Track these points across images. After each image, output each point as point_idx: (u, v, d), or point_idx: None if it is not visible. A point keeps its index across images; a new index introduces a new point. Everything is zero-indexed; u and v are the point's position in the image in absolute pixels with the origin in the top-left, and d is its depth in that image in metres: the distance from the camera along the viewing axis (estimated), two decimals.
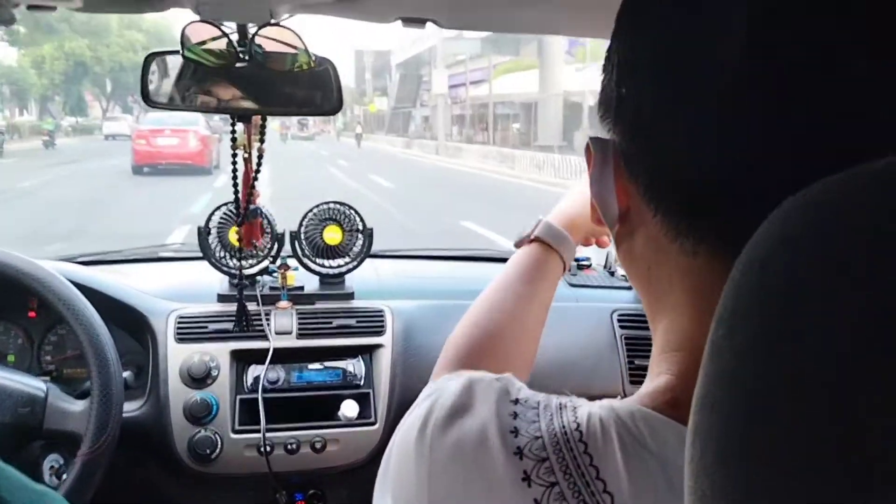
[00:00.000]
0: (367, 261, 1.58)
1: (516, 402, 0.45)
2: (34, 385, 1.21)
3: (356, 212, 1.56)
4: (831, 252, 0.24)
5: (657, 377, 0.45)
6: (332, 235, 1.53)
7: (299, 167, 19.03)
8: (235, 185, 1.22)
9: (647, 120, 0.42)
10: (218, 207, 1.49)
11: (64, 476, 1.19)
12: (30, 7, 0.89)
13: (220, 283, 1.52)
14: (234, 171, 1.20)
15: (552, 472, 0.41)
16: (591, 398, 0.47)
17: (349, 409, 1.40)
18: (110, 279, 1.47)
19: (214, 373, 1.37)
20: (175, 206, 10.48)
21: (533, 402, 0.45)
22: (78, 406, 1.21)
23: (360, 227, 1.56)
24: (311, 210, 1.54)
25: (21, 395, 1.17)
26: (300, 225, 1.53)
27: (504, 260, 1.98)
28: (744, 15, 0.37)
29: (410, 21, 0.97)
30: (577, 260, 1.80)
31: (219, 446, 1.33)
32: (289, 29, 1.00)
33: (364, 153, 30.86)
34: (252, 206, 1.28)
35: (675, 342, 0.44)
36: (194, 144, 15.28)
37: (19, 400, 1.17)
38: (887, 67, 0.34)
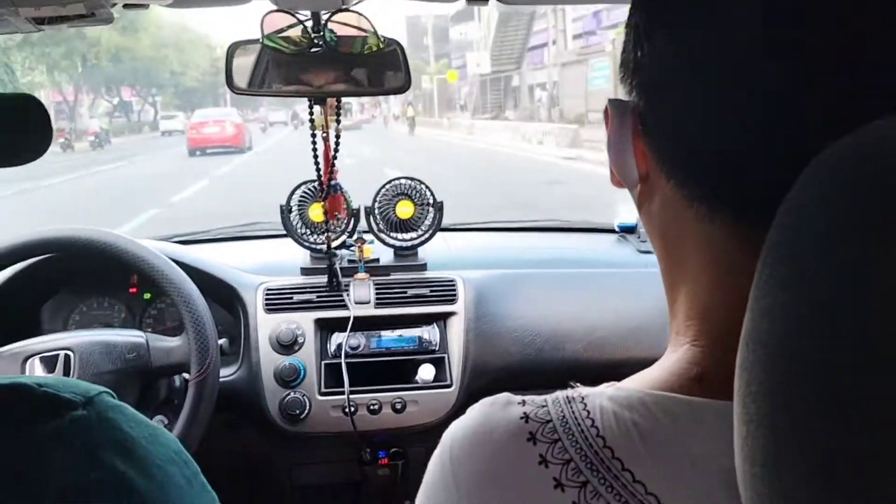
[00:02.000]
0: (438, 234, 1.65)
1: (523, 402, 0.45)
2: (134, 335, 1.35)
3: (427, 186, 1.62)
4: (873, 192, 0.26)
5: (680, 348, 0.44)
6: (405, 210, 1.61)
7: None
8: (317, 163, 1.31)
9: (662, 84, 0.42)
10: (298, 186, 1.58)
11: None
12: (126, 6, 0.98)
13: (302, 257, 1.62)
14: (315, 150, 1.28)
15: (565, 451, 0.42)
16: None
17: (426, 372, 1.47)
18: (204, 256, 1.59)
19: (301, 340, 1.47)
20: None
21: (539, 398, 0.46)
22: (176, 341, 1.35)
23: (431, 202, 1.62)
24: (383, 186, 1.62)
25: (126, 345, 1.31)
26: (374, 201, 1.61)
27: (570, 230, 2.02)
28: None
29: None
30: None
31: (307, 407, 1.43)
32: (359, 13, 1.07)
33: (425, 147, 21.15)
34: (333, 182, 1.36)
35: (697, 310, 0.44)
36: (231, 130, 20.26)
37: (124, 348, 1.31)
38: None
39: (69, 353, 1.29)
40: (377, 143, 19.89)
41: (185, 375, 1.35)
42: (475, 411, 0.47)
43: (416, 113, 31.75)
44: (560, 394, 0.46)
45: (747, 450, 0.29)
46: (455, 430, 0.47)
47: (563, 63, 25.95)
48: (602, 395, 0.44)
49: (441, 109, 38.63)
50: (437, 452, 0.48)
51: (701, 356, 0.43)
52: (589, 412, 0.43)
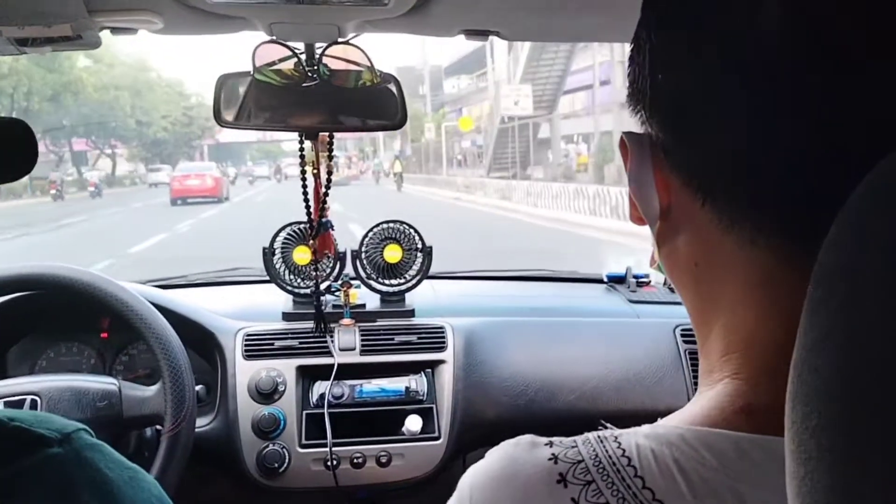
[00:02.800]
0: (426, 282, 1.60)
1: (550, 444, 0.42)
2: (106, 381, 1.26)
3: (416, 230, 1.58)
4: None
5: (717, 384, 0.41)
6: (393, 254, 1.56)
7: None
8: (306, 200, 1.26)
9: (689, 107, 0.40)
10: (282, 228, 1.53)
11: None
12: (114, 31, 0.95)
13: (284, 302, 1.56)
14: (304, 187, 1.24)
15: (601, 493, 0.38)
16: (658, 414, 0.45)
17: (413, 423, 1.41)
18: (182, 300, 1.52)
19: (281, 388, 1.40)
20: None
21: (567, 440, 0.42)
22: (151, 391, 1.26)
23: (420, 246, 1.58)
24: (371, 230, 1.58)
25: (97, 392, 1.23)
26: (361, 244, 1.57)
27: (559, 280, 1.99)
28: None
29: (473, 33, 1.00)
30: (636, 276, 1.79)
31: (287, 460, 1.35)
32: (355, 46, 1.04)
33: (409, 206, 18.20)
34: (324, 220, 1.32)
35: (734, 344, 0.41)
36: (210, 182, 22.39)
37: (95, 396, 1.22)
38: None
39: (36, 398, 1.21)
40: (354, 200, 17.43)
41: (158, 427, 1.27)
42: (497, 453, 0.43)
43: (403, 168, 29.49)
44: (590, 434, 0.42)
45: (805, 491, 0.25)
46: (475, 474, 0.43)
47: (621, 103, 19.99)
48: (637, 434, 0.41)
49: (436, 164, 33.74)
50: (455, 497, 0.43)
51: (746, 388, 0.40)
52: (624, 451, 0.40)
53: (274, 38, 1.01)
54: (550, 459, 0.40)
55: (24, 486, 0.48)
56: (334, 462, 1.35)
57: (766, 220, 0.38)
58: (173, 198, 21.80)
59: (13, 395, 1.21)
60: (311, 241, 1.36)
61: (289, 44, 1.05)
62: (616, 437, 0.41)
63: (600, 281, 1.87)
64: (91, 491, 0.51)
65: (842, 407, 0.24)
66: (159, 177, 34.14)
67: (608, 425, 0.45)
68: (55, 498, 0.49)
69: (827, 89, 0.35)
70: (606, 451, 0.40)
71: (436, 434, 1.40)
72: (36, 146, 0.71)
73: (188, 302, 1.54)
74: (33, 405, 1.20)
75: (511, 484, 0.40)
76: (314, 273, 1.43)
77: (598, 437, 0.42)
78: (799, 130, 0.36)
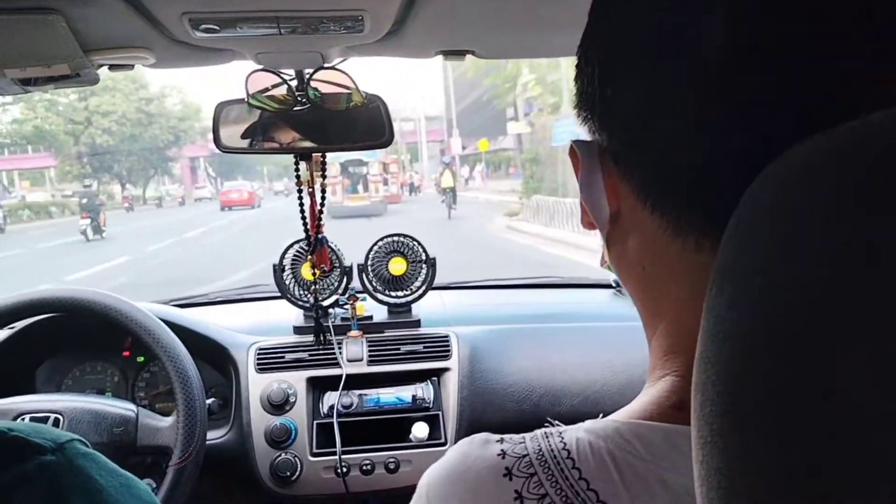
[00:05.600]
0: (433, 292, 1.65)
1: (501, 440, 0.45)
2: (126, 407, 1.33)
3: (419, 243, 1.63)
4: (808, 212, 0.25)
5: (659, 381, 0.43)
6: (397, 267, 1.61)
7: None
8: (303, 218, 1.32)
9: (638, 116, 0.41)
10: (290, 245, 1.59)
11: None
12: (111, 67, 1.01)
13: (295, 316, 1.61)
14: (301, 205, 1.29)
15: (541, 485, 0.41)
16: None
17: (420, 430, 1.45)
18: (197, 318, 1.59)
19: (292, 399, 1.45)
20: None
21: (517, 436, 0.45)
22: (166, 422, 1.32)
23: (424, 258, 1.63)
24: (375, 243, 1.63)
25: (115, 417, 1.29)
26: (366, 258, 1.62)
27: (567, 286, 2.01)
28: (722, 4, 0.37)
29: (450, 54, 1.04)
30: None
31: (298, 469, 1.40)
32: (341, 71, 1.09)
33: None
34: (319, 236, 1.37)
35: (678, 344, 0.43)
36: (246, 195, 30.50)
37: (114, 421, 1.29)
38: (872, 62, 0.34)
39: (59, 416, 1.28)
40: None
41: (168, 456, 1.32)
42: (453, 451, 0.46)
43: (456, 180, 19.48)
44: (539, 430, 0.45)
45: (703, 473, 0.28)
46: (432, 471, 0.46)
47: None
48: (579, 428, 0.43)
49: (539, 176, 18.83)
50: (414, 496, 0.47)
51: (681, 384, 0.42)
52: (565, 444, 0.42)
53: (263, 66, 1.07)
54: (499, 455, 0.43)
55: (18, 491, 0.51)
56: (344, 469, 1.39)
57: (711, 227, 0.39)
58: (222, 205, 30.02)
59: (38, 412, 1.28)
60: (310, 257, 1.41)
61: (279, 70, 1.10)
62: (560, 433, 0.43)
63: (608, 286, 1.89)
64: (82, 496, 0.54)
65: (728, 397, 0.26)
66: (203, 193, 41.86)
67: (556, 423, 0.48)
68: (47, 502, 0.53)
69: (770, 102, 0.36)
70: (550, 445, 0.42)
71: (442, 440, 1.44)
72: None
73: (205, 319, 1.60)
74: (56, 423, 1.26)
75: (463, 479, 0.43)
76: (313, 287, 1.48)
77: (545, 433, 0.44)
78: (742, 143, 0.37)
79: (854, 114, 0.32)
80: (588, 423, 0.44)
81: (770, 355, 0.25)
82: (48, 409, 1.29)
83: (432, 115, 41.80)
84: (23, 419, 1.26)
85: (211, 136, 1.18)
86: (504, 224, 16.20)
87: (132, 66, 0.99)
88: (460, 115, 35.00)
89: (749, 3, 0.36)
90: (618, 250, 0.46)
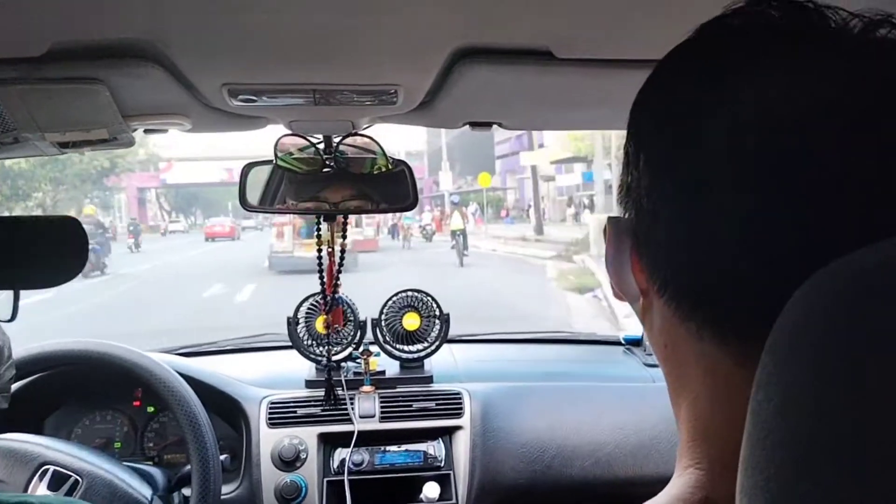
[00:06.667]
0: (445, 345, 1.65)
1: None
2: (140, 492, 1.27)
3: (433, 298, 1.64)
4: (860, 320, 0.26)
5: (685, 472, 0.43)
6: (411, 322, 1.62)
7: None
8: (321, 277, 1.33)
9: (648, 207, 0.43)
10: (305, 299, 1.60)
11: None
12: (146, 131, 1.03)
13: (307, 370, 1.61)
14: (320, 264, 1.31)
15: None
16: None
17: (431, 490, 1.44)
18: (208, 368, 1.58)
19: (303, 455, 1.44)
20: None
21: None
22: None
23: (437, 313, 1.63)
24: (390, 298, 1.64)
25: (129, 499, 1.24)
26: (381, 313, 1.62)
27: (577, 342, 2.01)
28: (726, 121, 0.38)
29: (477, 125, 1.07)
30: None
31: None
32: (368, 136, 1.12)
33: None
34: (336, 296, 1.38)
35: (700, 429, 0.43)
36: (228, 228, 34.40)
37: (127, 502, 1.23)
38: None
39: (78, 479, 1.23)
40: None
41: None
42: None
43: (465, 222, 17.37)
44: None
45: None
46: None
47: None
48: None
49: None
50: None
51: (706, 480, 0.42)
52: None
53: (292, 132, 1.09)
54: None
55: None
56: None
57: (709, 321, 0.40)
58: (207, 237, 33.45)
59: (62, 468, 1.23)
60: (326, 316, 1.42)
61: (308, 135, 1.13)
62: None
63: (618, 343, 1.89)
64: None
65: (774, 460, 0.27)
66: (177, 227, 44.85)
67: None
68: None
69: (763, 212, 0.37)
70: None
71: (453, 501, 1.43)
72: (87, 247, 0.68)
73: (215, 370, 1.59)
74: (73, 485, 1.22)
75: None
76: (327, 345, 1.48)
77: None
78: (735, 250, 0.38)
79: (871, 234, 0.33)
80: None
81: (819, 470, 0.25)
82: (72, 467, 1.24)
83: (414, 151, 40.45)
84: (45, 470, 1.23)
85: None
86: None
87: (167, 130, 1.01)
88: (449, 150, 33.13)
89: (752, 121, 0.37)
90: (647, 324, 0.47)
